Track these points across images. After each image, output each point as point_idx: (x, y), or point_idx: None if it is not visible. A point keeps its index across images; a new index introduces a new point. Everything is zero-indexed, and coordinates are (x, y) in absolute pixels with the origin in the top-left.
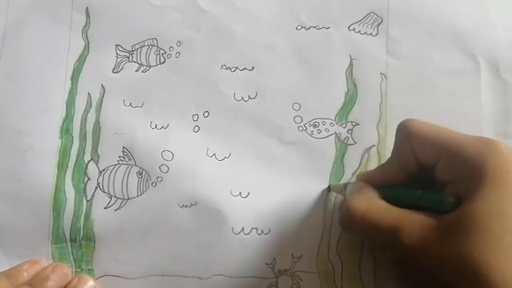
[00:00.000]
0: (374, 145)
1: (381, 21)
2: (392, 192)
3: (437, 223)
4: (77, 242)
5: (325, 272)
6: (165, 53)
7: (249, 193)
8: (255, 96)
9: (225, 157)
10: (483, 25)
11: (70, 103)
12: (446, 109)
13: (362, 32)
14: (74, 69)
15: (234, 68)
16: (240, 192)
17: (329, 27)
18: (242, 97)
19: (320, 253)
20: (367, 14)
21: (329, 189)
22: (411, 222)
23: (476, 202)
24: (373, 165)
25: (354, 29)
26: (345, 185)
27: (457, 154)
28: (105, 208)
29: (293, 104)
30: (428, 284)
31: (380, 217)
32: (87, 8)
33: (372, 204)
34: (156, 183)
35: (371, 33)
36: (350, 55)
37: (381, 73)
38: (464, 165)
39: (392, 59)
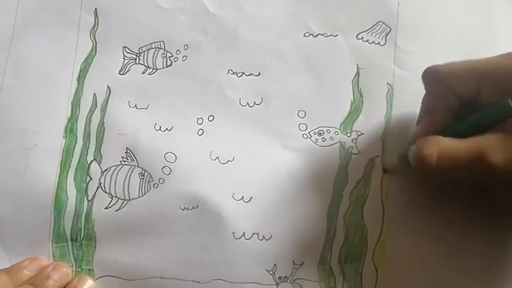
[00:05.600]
0: (378, 156)
1: (390, 30)
2: (450, 132)
3: None
4: (77, 241)
5: (326, 280)
6: (172, 56)
7: (251, 198)
8: (261, 102)
9: (228, 161)
10: (490, 40)
11: (75, 103)
12: None
13: (370, 41)
14: (81, 69)
15: (240, 73)
16: (243, 197)
17: (337, 35)
18: (248, 103)
19: (321, 261)
20: (376, 23)
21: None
22: (490, 143)
23: None
24: (377, 175)
25: (362, 38)
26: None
27: (499, 75)
28: (106, 208)
29: (298, 111)
30: None
31: (457, 152)
32: (95, 9)
33: (443, 143)
34: (158, 184)
35: (379, 43)
36: (357, 64)
37: (387, 84)
38: (509, 78)
39: (400, 70)
